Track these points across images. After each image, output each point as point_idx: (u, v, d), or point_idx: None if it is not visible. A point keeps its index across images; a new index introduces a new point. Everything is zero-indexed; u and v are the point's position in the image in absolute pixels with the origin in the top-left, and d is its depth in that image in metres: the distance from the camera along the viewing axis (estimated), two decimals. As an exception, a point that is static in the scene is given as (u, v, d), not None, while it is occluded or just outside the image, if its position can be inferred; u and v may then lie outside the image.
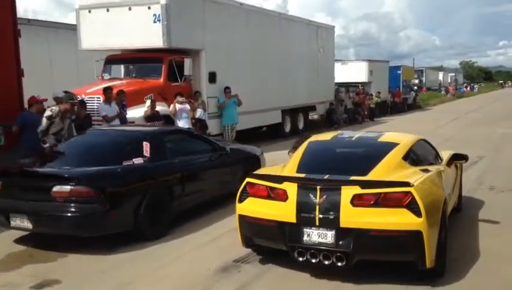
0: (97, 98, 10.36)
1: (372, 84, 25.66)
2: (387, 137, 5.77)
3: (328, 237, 4.29)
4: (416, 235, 4.12)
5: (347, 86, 23.32)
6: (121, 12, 11.67)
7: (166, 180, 6.11)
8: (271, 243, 4.75)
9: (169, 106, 11.32)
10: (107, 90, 9.83)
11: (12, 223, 5.47)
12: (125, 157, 5.84)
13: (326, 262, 4.31)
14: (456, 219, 6.06)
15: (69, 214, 5.19)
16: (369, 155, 5.18)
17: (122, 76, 12.27)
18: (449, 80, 69.14)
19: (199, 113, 11.87)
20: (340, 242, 4.26)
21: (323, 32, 19.86)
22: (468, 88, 68.06)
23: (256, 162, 7.78)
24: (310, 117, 19.37)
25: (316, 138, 5.95)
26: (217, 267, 4.88)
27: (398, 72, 29.91)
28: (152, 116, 10.44)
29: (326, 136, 6.24)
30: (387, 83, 28.25)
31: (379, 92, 25.58)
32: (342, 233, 4.25)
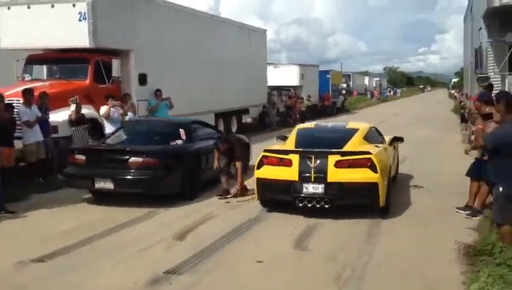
0: (16, 100, 9.64)
1: (303, 88, 26.20)
2: (351, 125, 8.16)
3: (319, 189, 6.52)
4: (374, 185, 6.40)
5: (279, 89, 23.63)
6: (43, 9, 10.98)
7: (196, 156, 8.41)
8: (280, 196, 6.94)
9: (96, 109, 10.81)
10: (27, 92, 9.17)
11: (97, 185, 7.48)
12: (170, 139, 8.29)
13: (317, 205, 6.51)
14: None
15: (140, 177, 7.35)
16: (341, 136, 7.38)
17: (45, 77, 11.55)
18: (374, 85, 72.36)
19: (129, 116, 11.43)
20: (327, 192, 6.47)
21: (255, 35, 19.97)
22: (392, 92, 71.61)
23: (247, 146, 9.94)
24: (243, 120, 19.38)
25: (301, 126, 8.54)
26: (146, 280, 4.64)
27: (328, 76, 30.80)
28: (77, 120, 9.91)
29: (309, 125, 9.14)
30: (317, 87, 28.99)
31: (309, 96, 26.18)
32: (329, 186, 6.47)
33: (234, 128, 18.24)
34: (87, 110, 10.45)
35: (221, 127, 17.13)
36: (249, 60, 19.15)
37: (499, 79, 8.25)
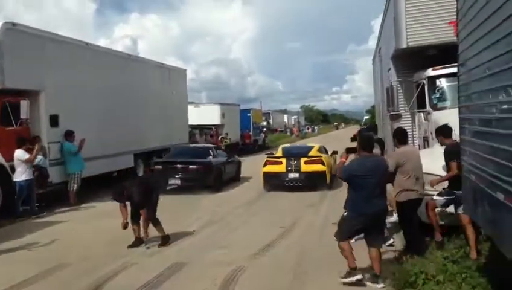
0: None
1: (225, 127, 26.26)
2: (310, 144, 15.30)
3: (297, 175, 12.89)
4: (323, 172, 12.87)
5: (201, 128, 23.48)
6: None
7: (219, 166, 14.17)
8: (276, 181, 13.04)
9: (2, 152, 9.96)
10: None
11: (170, 182, 13.19)
12: (206, 156, 14.01)
13: (296, 184, 12.70)
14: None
15: (194, 177, 13.16)
16: (306, 149, 14.18)
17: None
18: (293, 122, 74.66)
19: (39, 159, 10.65)
20: (301, 177, 12.84)
21: (175, 75, 19.82)
22: (310, 129, 74.27)
23: (239, 163, 16.55)
24: (164, 160, 18.87)
25: (283, 145, 16.17)
26: None
27: (248, 114, 31.23)
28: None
29: (287, 145, 17.81)
30: (238, 126, 29.22)
31: (227, 134, 26.25)
32: (301, 173, 12.82)
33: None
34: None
35: (141, 169, 16.66)
36: (170, 99, 18.88)
37: (409, 116, 8.71)
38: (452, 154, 6.15)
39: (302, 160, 12.76)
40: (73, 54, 12.78)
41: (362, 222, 5.23)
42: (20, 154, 10.01)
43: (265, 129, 37.81)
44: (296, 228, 8.47)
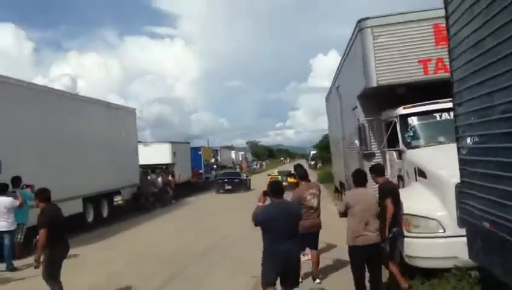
0: None
1: (176, 165, 25.47)
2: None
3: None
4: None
5: (152, 168, 22.59)
6: None
7: (246, 180, 30.55)
8: None
9: None
10: None
11: (225, 187, 28.29)
12: (239, 176, 31.20)
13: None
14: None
15: (237, 185, 28.58)
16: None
17: None
18: (240, 158, 74.47)
19: None
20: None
21: (124, 114, 19.08)
22: (258, 165, 74.35)
23: (249, 181, 30.87)
24: (114, 203, 17.81)
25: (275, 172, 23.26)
26: None
27: (199, 152, 30.66)
28: None
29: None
30: (189, 164, 28.52)
31: (173, 172, 25.51)
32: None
33: (105, 213, 16.67)
34: None
35: (91, 213, 15.57)
36: (118, 139, 18.04)
37: (380, 155, 8.56)
38: (386, 192, 6.36)
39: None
40: (13, 95, 11.81)
41: (272, 265, 5.32)
42: (10, 201, 9.57)
43: (215, 166, 37.24)
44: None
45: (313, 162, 68.36)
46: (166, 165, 24.60)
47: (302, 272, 6.72)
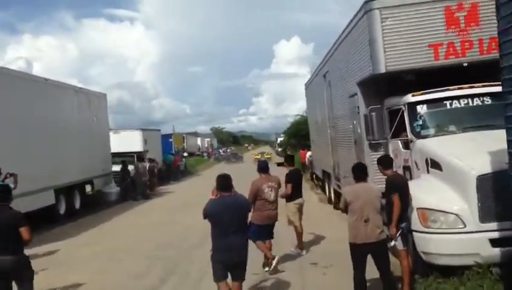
0: None
1: (148, 153, 24.58)
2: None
3: None
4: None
5: (122, 156, 21.61)
6: None
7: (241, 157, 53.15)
8: None
9: None
10: None
11: (232, 160, 50.70)
12: (238, 154, 58.53)
13: None
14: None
15: (239, 159, 53.01)
16: None
17: None
18: (206, 145, 73.61)
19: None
20: None
21: (95, 100, 18.10)
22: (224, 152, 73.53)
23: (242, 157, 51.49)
24: (87, 193, 16.91)
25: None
26: None
27: (170, 140, 29.81)
28: None
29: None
30: (160, 151, 27.67)
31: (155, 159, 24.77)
32: None
33: (77, 204, 15.81)
34: None
35: (63, 205, 14.68)
36: (90, 127, 17.13)
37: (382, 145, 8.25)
38: (394, 186, 6.06)
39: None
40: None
41: (220, 258, 5.47)
42: None
43: (185, 154, 36.41)
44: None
45: (280, 149, 68.26)
46: (137, 153, 23.70)
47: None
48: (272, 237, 7.94)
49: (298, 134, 43.62)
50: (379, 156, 8.30)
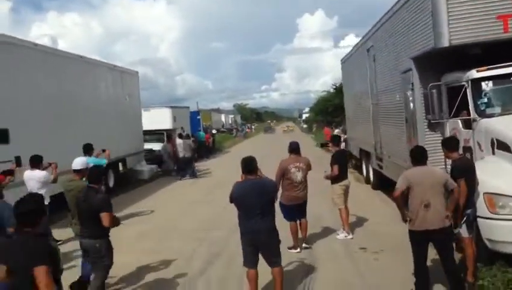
0: None
1: (177, 131, 24.47)
2: None
3: None
4: None
5: (152, 133, 21.53)
6: None
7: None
8: None
9: None
10: None
11: (268, 131, 72.11)
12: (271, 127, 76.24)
13: None
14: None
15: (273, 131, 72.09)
16: None
17: None
18: (230, 121, 73.45)
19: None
20: None
21: (127, 78, 17.94)
22: (249, 129, 73.36)
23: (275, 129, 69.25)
24: (120, 171, 16.95)
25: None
26: None
27: (198, 117, 29.64)
28: None
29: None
30: (189, 129, 27.54)
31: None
32: None
33: (111, 183, 15.81)
34: None
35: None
36: (124, 105, 17.02)
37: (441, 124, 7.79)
38: (461, 170, 5.67)
39: None
40: (20, 58, 10.68)
41: (247, 242, 5.54)
42: (44, 174, 8.56)
43: (214, 131, 36.26)
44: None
45: (305, 126, 67.39)
46: (167, 130, 23.60)
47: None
48: (305, 216, 7.96)
49: (325, 110, 42.99)
50: (435, 136, 7.96)
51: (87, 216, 5.62)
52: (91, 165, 7.04)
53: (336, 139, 9.32)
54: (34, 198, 3.85)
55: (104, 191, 6.21)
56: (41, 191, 8.50)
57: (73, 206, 6.39)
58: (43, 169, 8.69)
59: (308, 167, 7.88)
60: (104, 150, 10.08)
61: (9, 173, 7.97)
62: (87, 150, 9.84)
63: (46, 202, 8.63)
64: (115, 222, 5.66)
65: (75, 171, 6.91)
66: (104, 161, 9.96)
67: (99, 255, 5.57)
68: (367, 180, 14.41)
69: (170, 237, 9.34)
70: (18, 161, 9.37)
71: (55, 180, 8.71)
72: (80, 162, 7.10)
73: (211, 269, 7.23)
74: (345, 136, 18.35)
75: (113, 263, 5.80)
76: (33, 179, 8.46)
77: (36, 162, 8.52)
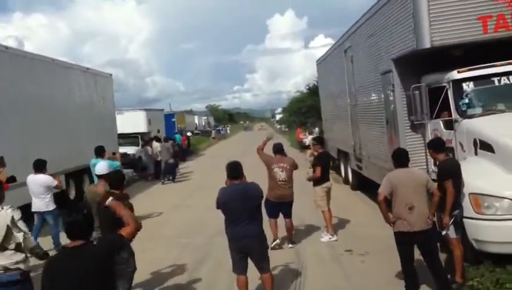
0: None
1: (151, 134, 24.10)
2: None
3: None
4: None
5: (126, 137, 21.13)
6: None
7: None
8: None
9: None
10: None
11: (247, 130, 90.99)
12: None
13: None
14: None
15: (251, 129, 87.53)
16: None
17: None
18: (203, 123, 72.95)
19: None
20: None
21: (101, 80, 17.51)
22: (223, 130, 73.09)
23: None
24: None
25: None
26: None
27: (173, 119, 29.33)
28: None
29: None
30: (164, 131, 27.19)
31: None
32: None
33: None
34: None
35: (73, 190, 14.28)
36: (98, 108, 16.63)
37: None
38: (448, 172, 5.69)
39: None
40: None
41: (235, 248, 5.46)
42: (47, 179, 8.49)
43: (189, 133, 35.85)
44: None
45: (279, 127, 67.39)
46: (141, 134, 23.19)
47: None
48: (290, 217, 8.15)
49: (298, 111, 43.14)
50: (416, 137, 8.03)
51: (107, 226, 4.95)
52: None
53: (319, 141, 9.32)
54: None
55: (128, 197, 5.85)
56: (47, 196, 8.49)
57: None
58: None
59: (293, 167, 8.09)
60: (114, 153, 9.81)
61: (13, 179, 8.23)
62: (99, 152, 9.70)
63: (53, 207, 8.62)
64: (137, 230, 5.07)
65: (100, 176, 6.60)
66: (117, 164, 9.77)
67: (121, 262, 5.18)
68: (345, 181, 14.48)
69: (152, 244, 9.11)
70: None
71: (57, 187, 8.80)
72: (104, 167, 6.88)
73: (197, 275, 7.08)
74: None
75: (136, 268, 5.51)
76: (36, 183, 8.47)
77: (40, 166, 8.52)
